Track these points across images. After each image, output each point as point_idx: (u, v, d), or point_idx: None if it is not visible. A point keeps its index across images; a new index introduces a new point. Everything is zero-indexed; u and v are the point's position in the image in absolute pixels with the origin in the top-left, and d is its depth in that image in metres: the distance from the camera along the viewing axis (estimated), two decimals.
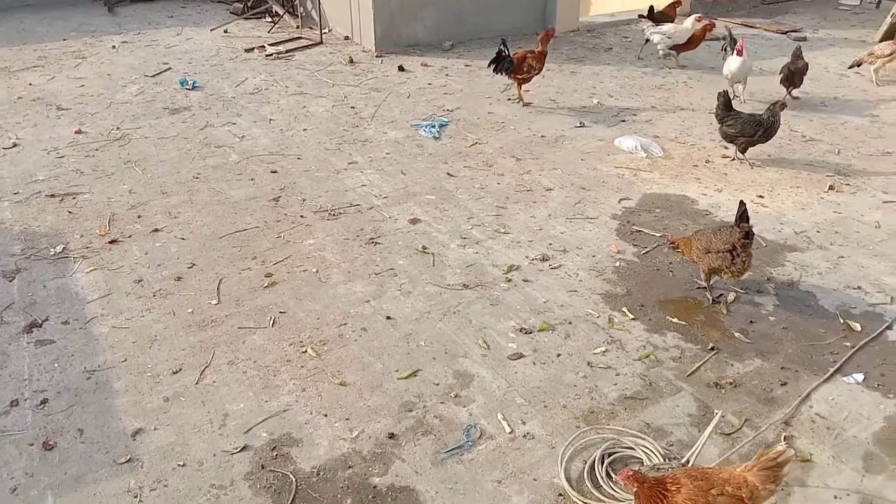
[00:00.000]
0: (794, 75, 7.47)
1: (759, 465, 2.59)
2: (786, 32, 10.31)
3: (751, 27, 10.62)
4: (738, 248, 4.17)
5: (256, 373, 3.82)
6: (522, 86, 7.66)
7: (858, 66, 8.23)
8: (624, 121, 7.21)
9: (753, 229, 4.23)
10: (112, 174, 6.02)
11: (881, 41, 9.66)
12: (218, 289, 4.52)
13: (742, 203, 4.28)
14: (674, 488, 2.64)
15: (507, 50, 7.52)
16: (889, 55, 7.95)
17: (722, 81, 8.21)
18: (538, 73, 7.59)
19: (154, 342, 4.06)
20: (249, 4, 10.98)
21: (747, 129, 6.00)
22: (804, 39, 10.01)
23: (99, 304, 4.38)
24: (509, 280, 4.66)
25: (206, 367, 3.86)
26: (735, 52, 7.49)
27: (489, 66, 7.62)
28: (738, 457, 3.33)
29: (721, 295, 4.51)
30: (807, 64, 7.51)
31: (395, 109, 7.48)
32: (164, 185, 5.84)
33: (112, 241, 5.03)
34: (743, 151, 6.21)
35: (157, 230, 5.18)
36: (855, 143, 6.72)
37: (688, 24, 8.57)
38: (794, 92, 7.71)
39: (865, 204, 5.61)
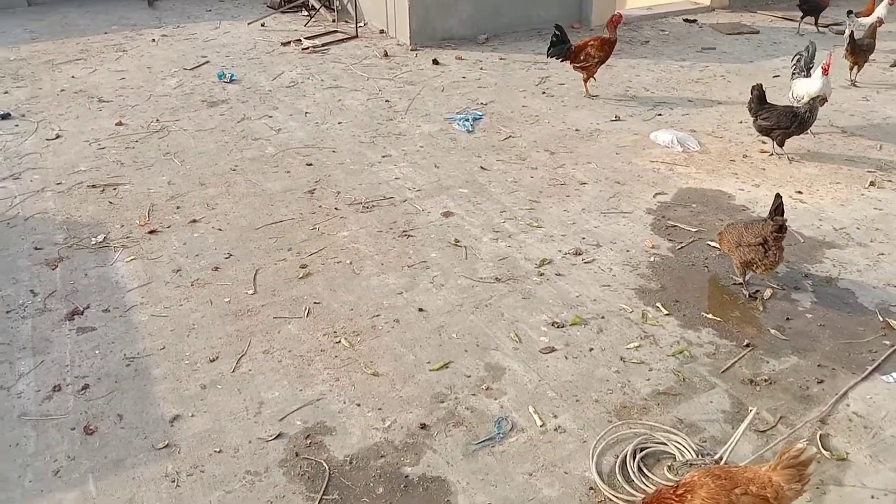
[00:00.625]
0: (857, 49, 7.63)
1: (783, 464, 2.55)
2: (827, 26, 10.09)
3: (791, 20, 10.42)
4: (770, 242, 4.12)
5: (291, 362, 3.88)
6: (588, 77, 7.53)
7: None
8: (660, 114, 7.14)
9: (787, 223, 4.18)
10: (151, 166, 6.14)
11: None
12: (254, 279, 4.59)
13: (778, 196, 4.22)
14: (683, 492, 2.61)
15: (564, 35, 7.45)
16: None
17: (758, 75, 8.09)
18: (601, 63, 7.43)
19: (192, 330, 4.14)
20: None
21: (783, 121, 5.91)
22: (843, 33, 9.77)
23: (138, 293, 4.48)
24: (542, 274, 4.66)
25: (243, 355, 3.93)
26: (821, 69, 6.27)
27: (547, 54, 7.56)
28: (773, 454, 3.29)
29: (757, 291, 4.45)
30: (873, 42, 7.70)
31: (428, 103, 7.50)
32: (203, 176, 5.95)
33: (151, 232, 5.13)
34: (781, 144, 6.10)
35: (195, 221, 5.28)
36: None
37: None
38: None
39: None
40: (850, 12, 8.66)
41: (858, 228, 5.12)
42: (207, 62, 8.76)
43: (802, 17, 10.05)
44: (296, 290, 4.48)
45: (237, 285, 4.53)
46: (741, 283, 4.45)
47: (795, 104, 6.19)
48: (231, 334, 4.10)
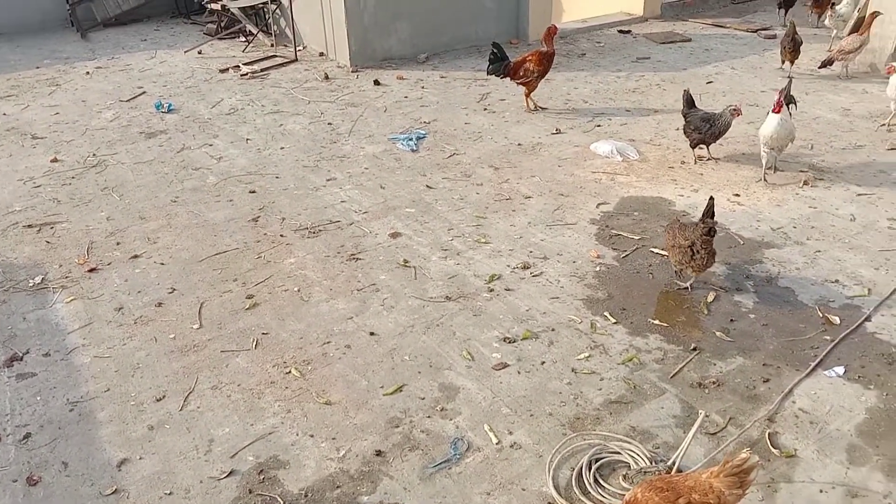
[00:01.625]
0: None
1: (725, 472, 2.60)
2: (756, 31, 10.43)
3: (721, 27, 10.74)
4: (698, 245, 4.25)
5: (241, 396, 3.80)
6: (529, 92, 7.63)
7: (830, 64, 8.33)
8: (599, 125, 7.26)
9: (716, 227, 4.32)
10: (89, 202, 5.99)
11: (849, 34, 9.81)
12: (199, 313, 4.50)
13: (711, 199, 4.37)
14: None
15: (502, 52, 7.54)
16: (857, 49, 8.06)
17: (692, 82, 8.30)
18: (541, 77, 7.53)
19: (137, 370, 4.04)
20: (223, 25, 10.97)
21: (696, 124, 6.16)
22: (774, 37, 10.13)
23: (80, 335, 4.35)
24: (491, 290, 4.68)
25: (190, 392, 3.84)
26: (772, 109, 5.77)
27: (487, 72, 7.65)
28: (723, 455, 3.35)
29: (689, 288, 4.55)
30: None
31: (372, 124, 7.49)
32: (143, 210, 5.82)
33: (91, 270, 5.00)
34: (693, 147, 6.34)
35: (136, 256, 5.16)
36: (828, 137, 6.80)
37: None
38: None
39: (840, 198, 5.68)
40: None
41: (795, 227, 5.27)
42: (144, 93, 8.62)
43: (782, 9, 11.03)
44: (243, 322, 4.40)
45: (182, 320, 4.44)
46: (679, 282, 4.60)
47: (763, 151, 5.88)
48: (177, 371, 4.01)
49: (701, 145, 6.30)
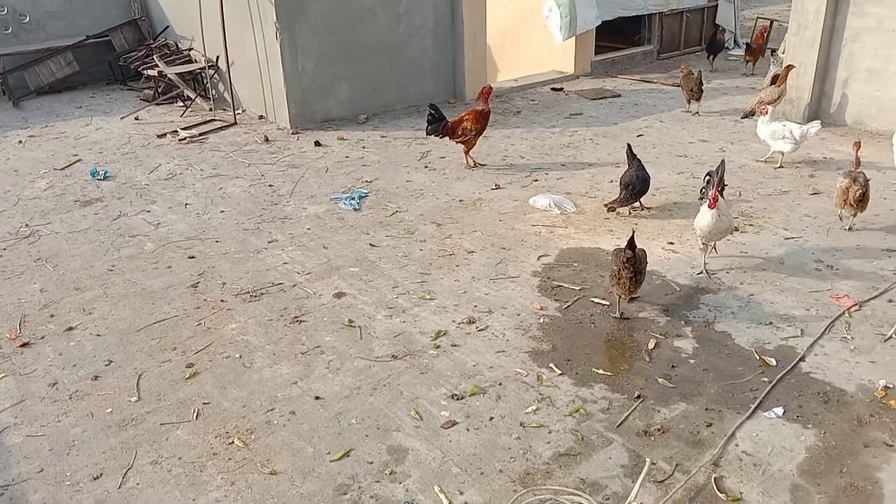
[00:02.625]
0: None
1: None
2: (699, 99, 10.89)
3: (649, 82, 11.21)
4: (621, 269, 4.74)
5: (182, 470, 3.68)
6: (468, 150, 7.77)
7: (752, 115, 8.74)
8: (537, 180, 7.43)
9: (637, 255, 4.77)
10: (22, 274, 5.81)
11: (768, 87, 10.35)
12: (137, 385, 4.37)
13: (633, 231, 4.87)
14: None
15: (439, 112, 7.70)
16: (776, 99, 8.50)
17: (624, 136, 8.61)
18: (479, 134, 7.70)
19: (72, 448, 3.87)
20: (160, 90, 10.93)
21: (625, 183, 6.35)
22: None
23: (11, 413, 4.16)
24: (438, 346, 4.68)
25: (129, 469, 3.70)
26: (707, 204, 5.27)
27: (426, 133, 7.79)
28: (672, 503, 3.38)
29: (623, 314, 4.81)
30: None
31: (313, 184, 7.51)
32: (78, 280, 5.67)
33: (24, 345, 4.82)
34: (620, 205, 6.40)
35: (71, 328, 5.00)
36: (754, 184, 7.10)
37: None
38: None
39: (769, 242, 5.91)
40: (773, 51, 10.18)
41: (728, 273, 5.45)
42: (79, 160, 8.47)
43: (710, 56, 12.13)
44: (183, 392, 4.28)
45: (119, 393, 4.30)
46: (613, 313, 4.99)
47: (700, 242, 5.55)
48: (115, 447, 3.86)
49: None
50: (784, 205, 6.61)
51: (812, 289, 5.19)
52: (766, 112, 7.41)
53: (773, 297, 5.10)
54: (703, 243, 5.50)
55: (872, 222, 6.17)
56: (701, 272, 5.44)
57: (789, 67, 8.57)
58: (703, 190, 5.76)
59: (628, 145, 6.57)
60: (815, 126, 7.25)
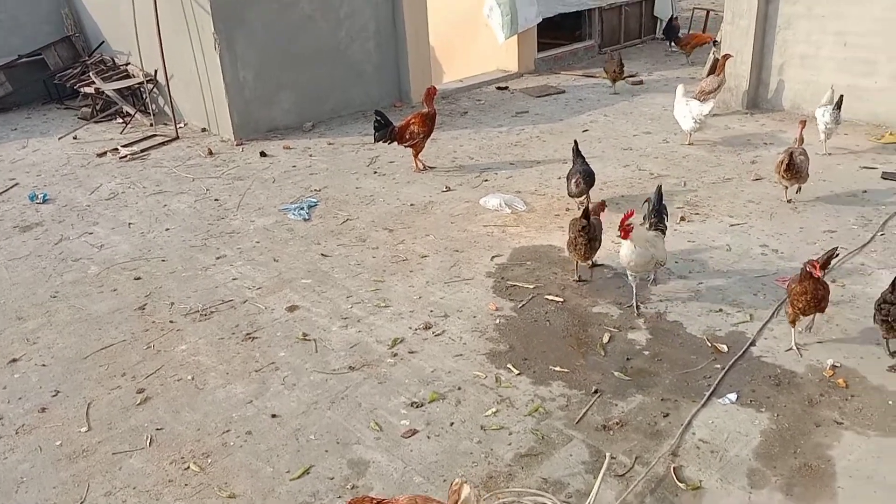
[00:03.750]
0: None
1: (450, 501, 2.76)
2: (624, 79, 11.04)
3: (592, 77, 11.32)
4: (577, 237, 5.11)
5: (137, 500, 3.58)
6: (417, 153, 7.75)
7: None
8: (486, 180, 7.45)
9: (591, 223, 5.11)
10: None
11: (707, 76, 10.55)
12: (87, 414, 4.24)
13: (586, 205, 5.42)
14: None
15: (385, 118, 7.65)
16: (716, 89, 8.66)
17: (570, 132, 8.69)
18: (426, 137, 7.69)
19: (20, 485, 3.74)
20: (98, 107, 10.64)
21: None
22: (641, 83, 10.77)
23: None
24: (395, 354, 4.64)
25: (82, 502, 3.58)
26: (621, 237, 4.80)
27: (374, 140, 7.74)
28: (634, 496, 3.41)
29: (581, 277, 4.74)
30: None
31: (260, 196, 7.40)
32: (20, 309, 5.48)
33: None
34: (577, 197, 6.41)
35: (14, 360, 4.83)
36: (698, 173, 7.23)
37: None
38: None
39: (715, 229, 6.02)
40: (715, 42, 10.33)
41: (677, 262, 5.53)
42: (16, 185, 8.20)
43: (669, 42, 12.59)
44: (134, 419, 4.17)
45: (68, 424, 4.17)
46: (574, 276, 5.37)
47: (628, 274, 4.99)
48: (66, 481, 3.74)
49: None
50: (728, 192, 6.74)
51: (759, 273, 5.30)
52: (709, 98, 7.69)
53: (721, 283, 5.19)
54: (632, 275, 4.92)
55: (813, 204, 6.33)
56: (634, 312, 4.92)
57: (726, 56, 8.75)
58: (646, 217, 5.26)
59: (575, 142, 6.60)
60: (707, 106, 7.72)
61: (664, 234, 5.16)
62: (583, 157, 6.47)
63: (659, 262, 4.95)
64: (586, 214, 5.15)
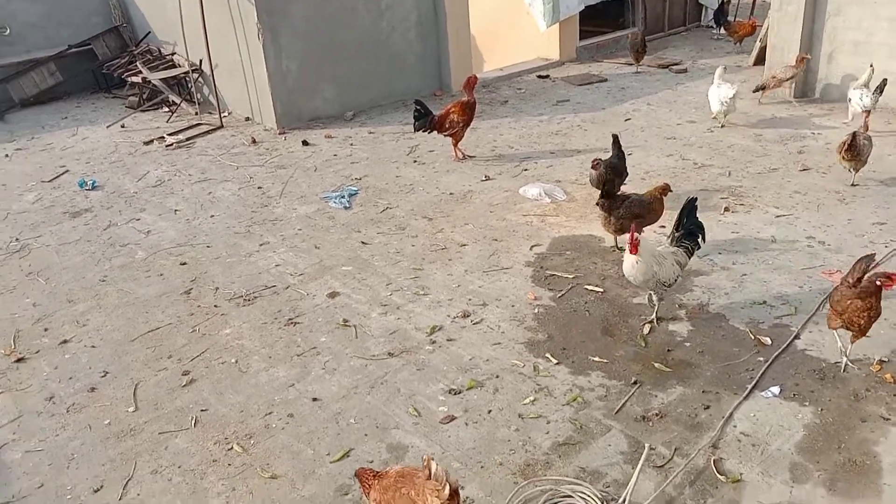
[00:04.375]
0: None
1: (430, 478, 2.87)
2: (667, 66, 10.89)
3: (633, 65, 11.16)
4: (603, 216, 5.38)
5: (182, 478, 3.68)
6: (457, 142, 7.75)
7: (762, 90, 8.72)
8: (526, 169, 7.42)
9: (607, 201, 5.31)
10: (14, 288, 5.79)
11: (754, 65, 10.35)
12: (134, 394, 4.36)
13: (604, 180, 5.62)
14: (374, 477, 3.08)
15: (425, 108, 7.68)
16: (791, 77, 8.46)
17: (611, 120, 8.60)
18: (466, 126, 7.67)
19: (71, 461, 3.87)
20: (145, 96, 10.87)
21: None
22: (685, 71, 10.59)
23: (9, 429, 4.16)
24: (433, 342, 4.67)
25: (129, 479, 3.70)
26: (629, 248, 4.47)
27: (414, 130, 7.76)
28: (673, 487, 3.39)
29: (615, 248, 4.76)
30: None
31: (302, 184, 7.49)
32: (70, 292, 5.65)
33: (19, 360, 4.81)
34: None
35: (65, 341, 4.99)
36: (743, 163, 7.10)
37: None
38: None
39: (760, 221, 5.91)
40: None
41: (720, 254, 5.45)
42: (67, 171, 8.43)
43: (718, 27, 12.31)
44: (180, 400, 4.28)
45: (117, 404, 4.29)
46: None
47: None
48: (115, 459, 3.86)
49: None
50: (774, 182, 6.61)
51: (804, 265, 5.19)
52: (781, 86, 8.14)
53: (766, 275, 5.11)
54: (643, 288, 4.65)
55: (862, 195, 6.18)
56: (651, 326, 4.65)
57: (804, 58, 8.45)
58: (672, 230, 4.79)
59: (614, 136, 6.40)
60: (732, 90, 7.81)
61: (690, 254, 4.64)
62: (620, 151, 6.32)
63: (662, 283, 4.48)
64: (603, 194, 5.35)
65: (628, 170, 6.36)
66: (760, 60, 9.89)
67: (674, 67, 10.83)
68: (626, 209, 5.36)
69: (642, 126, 8.39)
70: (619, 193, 5.64)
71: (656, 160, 7.34)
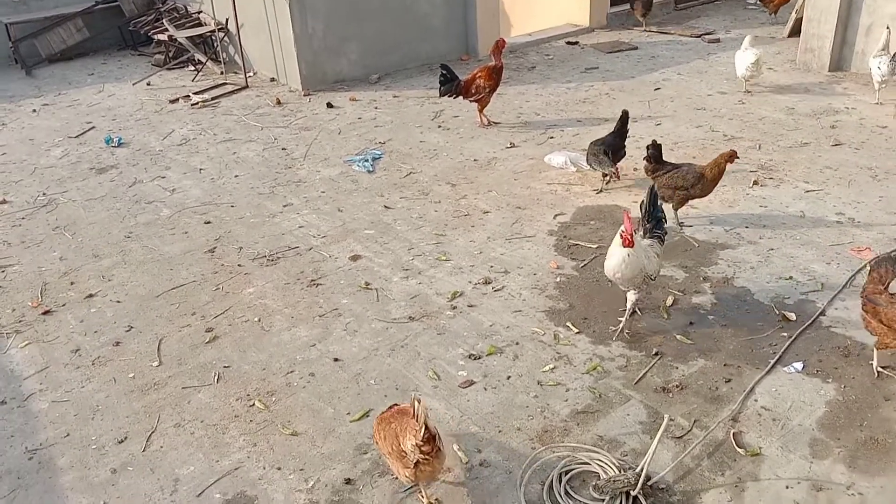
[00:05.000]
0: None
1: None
2: (700, 36, 10.66)
3: (666, 33, 10.95)
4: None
5: (204, 432, 3.74)
6: (482, 108, 7.68)
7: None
8: (552, 137, 7.34)
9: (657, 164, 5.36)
10: (41, 242, 5.86)
11: (789, 36, 10.11)
12: (158, 349, 4.42)
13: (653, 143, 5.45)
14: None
15: (451, 72, 7.61)
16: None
17: (641, 89, 8.47)
18: (493, 91, 7.58)
19: (96, 412, 3.95)
20: (171, 55, 10.85)
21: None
22: (718, 41, 10.37)
23: (36, 380, 4.24)
24: (454, 307, 4.68)
25: (153, 432, 3.77)
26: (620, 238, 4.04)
27: (439, 94, 7.69)
28: (691, 458, 3.39)
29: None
30: None
31: (326, 147, 7.47)
32: (96, 247, 5.71)
33: (45, 312, 4.89)
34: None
35: (91, 296, 5.06)
36: (774, 136, 6.97)
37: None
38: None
39: (789, 195, 5.82)
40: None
41: (747, 227, 5.38)
42: (93, 128, 8.47)
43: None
44: (203, 356, 4.34)
45: (141, 358, 4.36)
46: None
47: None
48: (138, 411, 3.93)
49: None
50: (804, 157, 6.49)
51: (833, 242, 5.12)
52: None
53: (793, 251, 5.04)
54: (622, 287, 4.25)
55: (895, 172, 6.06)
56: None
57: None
58: (641, 221, 4.46)
59: (624, 112, 6.12)
60: (752, 56, 7.87)
61: (662, 242, 4.37)
62: (623, 128, 6.06)
63: (649, 276, 4.19)
64: (650, 157, 5.40)
65: (660, 144, 5.95)
66: (796, 32, 9.65)
67: (706, 37, 10.59)
68: (668, 178, 5.23)
69: (672, 96, 8.25)
70: (667, 161, 5.47)
71: (685, 131, 7.23)
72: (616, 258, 4.06)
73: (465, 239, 5.51)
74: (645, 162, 5.48)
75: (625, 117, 6.09)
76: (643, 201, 4.42)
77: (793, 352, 4.06)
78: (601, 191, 6.10)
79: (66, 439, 3.76)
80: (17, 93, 10.10)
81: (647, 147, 5.42)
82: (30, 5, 11.57)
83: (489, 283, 4.92)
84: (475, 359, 4.17)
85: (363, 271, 5.16)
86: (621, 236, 3.98)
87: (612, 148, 5.95)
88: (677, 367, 3.99)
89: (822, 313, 4.37)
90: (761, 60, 7.95)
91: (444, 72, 7.60)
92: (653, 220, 4.39)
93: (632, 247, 3.98)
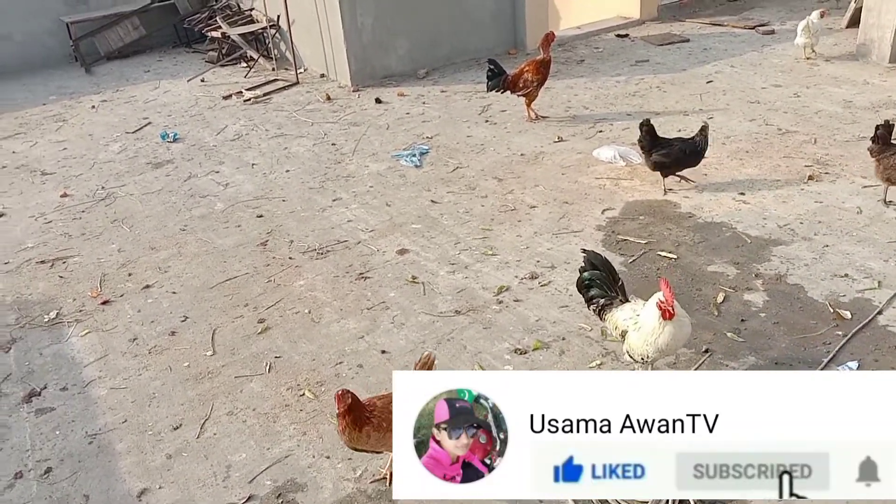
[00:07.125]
0: None
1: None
2: (754, 27, 10.42)
3: (719, 25, 10.74)
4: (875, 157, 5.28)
5: (256, 421, 3.84)
6: (530, 102, 7.65)
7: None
8: (601, 131, 7.28)
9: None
10: (100, 234, 6.07)
11: (847, 27, 9.81)
12: (212, 339, 4.55)
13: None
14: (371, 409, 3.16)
15: (498, 67, 7.61)
16: None
17: (692, 82, 8.33)
18: (541, 85, 7.53)
19: (153, 400, 4.08)
20: (224, 52, 11.08)
21: (678, 154, 5.64)
22: (772, 32, 10.13)
23: (96, 367, 4.40)
24: (500, 301, 4.69)
25: (206, 419, 3.88)
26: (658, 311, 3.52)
27: (487, 89, 7.71)
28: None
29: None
30: None
31: (374, 142, 7.55)
32: (152, 240, 5.89)
33: (105, 302, 5.06)
34: (665, 176, 5.77)
35: (148, 286, 5.22)
36: (830, 130, 6.79)
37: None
38: None
39: (846, 191, 5.67)
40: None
41: (802, 223, 5.26)
42: (149, 123, 8.72)
43: None
44: (255, 346, 4.44)
45: (195, 348, 4.49)
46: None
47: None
48: (193, 399, 4.05)
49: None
50: (862, 151, 6.26)
51: (890, 239, 4.97)
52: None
53: (849, 247, 4.91)
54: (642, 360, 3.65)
55: None
56: None
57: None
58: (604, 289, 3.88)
59: (647, 122, 5.82)
60: (814, 16, 8.47)
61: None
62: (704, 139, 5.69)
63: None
64: (875, 138, 5.26)
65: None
66: (854, 23, 9.35)
67: (760, 28, 10.35)
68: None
69: (724, 89, 8.10)
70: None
71: (738, 125, 7.09)
72: (664, 336, 3.46)
73: (512, 234, 5.51)
74: (870, 143, 5.33)
75: (650, 129, 5.76)
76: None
77: (847, 351, 3.97)
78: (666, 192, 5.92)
79: (123, 425, 3.90)
80: (78, 90, 10.44)
81: (877, 127, 5.31)
82: (89, 4, 11.94)
83: (536, 277, 4.92)
84: (521, 353, 4.19)
85: (410, 265, 5.21)
86: (659, 307, 3.41)
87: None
88: (727, 365, 3.94)
89: (880, 312, 4.25)
90: (813, 21, 8.37)
91: (492, 66, 7.59)
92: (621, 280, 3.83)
93: (672, 318, 3.43)
